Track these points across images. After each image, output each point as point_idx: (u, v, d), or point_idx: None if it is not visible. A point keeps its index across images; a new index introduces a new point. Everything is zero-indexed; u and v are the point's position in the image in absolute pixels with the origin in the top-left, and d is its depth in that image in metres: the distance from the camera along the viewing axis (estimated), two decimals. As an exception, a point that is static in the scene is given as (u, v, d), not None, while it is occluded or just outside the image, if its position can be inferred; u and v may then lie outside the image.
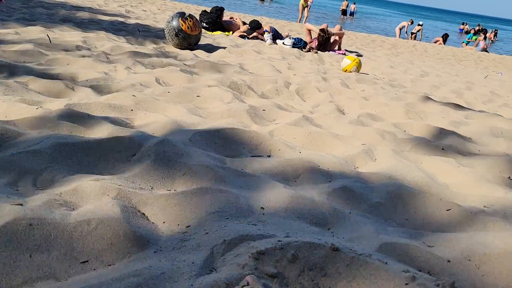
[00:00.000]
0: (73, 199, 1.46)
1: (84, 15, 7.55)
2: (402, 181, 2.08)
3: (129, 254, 1.23)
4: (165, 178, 1.76)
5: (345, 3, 28.00)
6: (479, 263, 1.37)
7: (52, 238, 1.20)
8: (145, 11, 10.54)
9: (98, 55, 4.20)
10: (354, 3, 30.02)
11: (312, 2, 18.03)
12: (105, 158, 1.86)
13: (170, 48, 5.70)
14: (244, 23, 8.76)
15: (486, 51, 16.95)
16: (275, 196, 1.65)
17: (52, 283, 1.09)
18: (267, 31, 8.19)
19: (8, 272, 1.08)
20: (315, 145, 2.54)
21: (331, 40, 8.23)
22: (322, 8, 35.39)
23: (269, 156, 2.22)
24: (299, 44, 7.92)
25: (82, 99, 2.75)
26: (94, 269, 1.16)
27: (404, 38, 18.46)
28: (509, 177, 2.40)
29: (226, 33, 8.42)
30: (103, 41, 5.10)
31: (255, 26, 8.45)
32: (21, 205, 1.30)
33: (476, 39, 19.26)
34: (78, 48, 4.38)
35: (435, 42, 18.02)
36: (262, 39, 8.32)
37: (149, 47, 5.41)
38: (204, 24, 8.27)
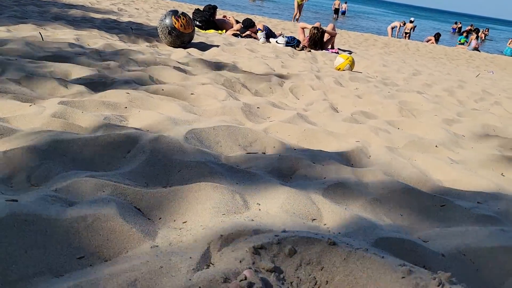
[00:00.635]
0: (68, 195, 1.46)
1: (77, 13, 7.50)
2: (396, 178, 2.10)
3: (126, 250, 1.23)
4: (161, 174, 1.75)
5: (337, 2, 28.04)
6: (473, 257, 1.38)
7: (48, 234, 1.20)
8: (137, 9, 10.50)
9: (91, 52, 4.18)
10: (346, 3, 30.14)
11: (307, 0, 18.06)
12: (100, 155, 1.85)
13: (163, 46, 5.68)
14: (237, 22, 8.75)
15: (478, 50, 17.08)
16: (270, 193, 1.65)
17: (48, 279, 1.08)
18: (260, 29, 8.18)
19: (4, 268, 1.07)
20: (309, 142, 2.54)
21: (324, 39, 8.25)
22: (314, 7, 35.47)
23: (264, 153, 2.23)
24: (292, 42, 7.93)
25: (76, 96, 2.73)
26: (91, 265, 1.16)
27: (399, 38, 18.55)
28: (502, 173, 2.42)
29: (219, 31, 8.41)
30: (96, 39, 5.07)
31: (248, 24, 8.44)
32: (16, 201, 1.29)
33: (464, 42, 19.45)
34: (70, 46, 4.35)
35: (427, 41, 18.13)
36: (255, 38, 8.31)
37: (142, 45, 5.39)
38: (197, 23, 8.25)
